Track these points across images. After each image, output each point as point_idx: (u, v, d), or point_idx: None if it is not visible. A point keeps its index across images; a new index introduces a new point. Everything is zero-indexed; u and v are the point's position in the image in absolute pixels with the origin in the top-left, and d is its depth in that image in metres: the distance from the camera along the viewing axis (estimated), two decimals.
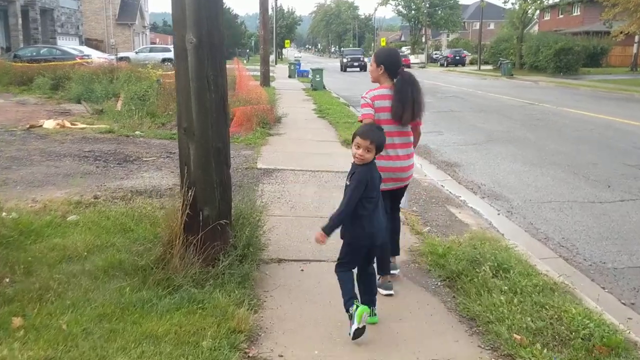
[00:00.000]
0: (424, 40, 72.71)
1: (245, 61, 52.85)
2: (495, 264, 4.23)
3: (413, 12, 75.20)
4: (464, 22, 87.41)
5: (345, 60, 49.60)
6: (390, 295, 4.02)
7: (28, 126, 11.18)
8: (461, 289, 4.02)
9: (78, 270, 4.07)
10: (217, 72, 3.97)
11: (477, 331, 3.50)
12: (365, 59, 47.13)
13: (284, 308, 3.76)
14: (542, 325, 3.40)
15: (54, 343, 3.10)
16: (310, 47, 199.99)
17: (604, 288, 4.52)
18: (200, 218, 3.98)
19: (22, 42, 34.19)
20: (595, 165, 8.95)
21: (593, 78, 32.91)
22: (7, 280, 3.88)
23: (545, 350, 3.14)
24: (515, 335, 3.31)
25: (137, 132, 10.83)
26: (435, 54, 71.61)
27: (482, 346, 3.34)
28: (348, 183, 3.50)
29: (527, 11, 45.55)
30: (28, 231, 4.76)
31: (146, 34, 64.66)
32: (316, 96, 20.54)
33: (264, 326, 3.49)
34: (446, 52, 65.04)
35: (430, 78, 34.43)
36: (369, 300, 3.59)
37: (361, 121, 3.97)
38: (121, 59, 30.95)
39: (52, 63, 22.60)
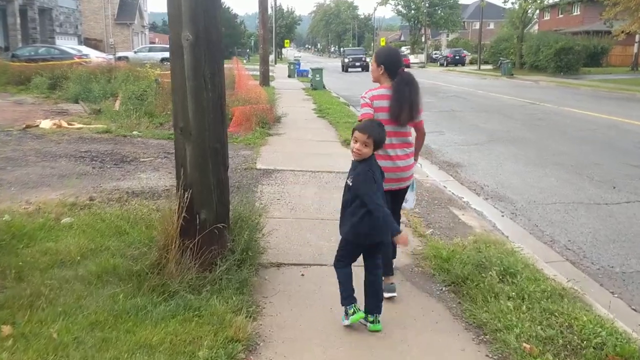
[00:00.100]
0: (423, 40, 72.59)
1: (244, 61, 52.72)
2: (502, 269, 4.11)
3: (413, 11, 74.98)
4: (464, 22, 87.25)
5: (346, 60, 48.19)
6: (393, 297, 3.91)
7: (24, 126, 11.04)
8: (467, 295, 3.89)
9: (71, 275, 3.94)
10: (214, 70, 3.84)
11: (485, 340, 3.37)
12: (367, 59, 46.11)
13: (283, 315, 3.62)
14: (552, 333, 3.27)
15: (44, 353, 2.97)
16: (309, 46, 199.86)
17: (613, 293, 4.39)
18: (197, 221, 3.85)
19: (20, 41, 34.01)
20: (599, 165, 8.82)
21: (594, 78, 32.79)
22: None
23: None
24: (524, 344, 3.18)
25: (134, 132, 10.70)
26: (435, 53, 71.47)
27: (490, 355, 3.21)
28: (350, 183, 3.44)
29: (527, 11, 45.40)
30: (20, 234, 4.63)
31: (145, 34, 64.50)
32: (316, 96, 20.41)
33: (263, 334, 3.36)
34: (446, 51, 64.88)
35: (430, 78, 34.31)
36: (375, 306, 3.48)
37: (360, 121, 3.84)
38: (120, 58, 30.82)
39: (50, 62, 22.46)
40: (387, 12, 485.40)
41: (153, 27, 73.95)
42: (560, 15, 54.53)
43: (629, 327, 3.51)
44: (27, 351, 2.98)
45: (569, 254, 5.19)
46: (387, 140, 3.74)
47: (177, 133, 3.90)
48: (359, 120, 3.88)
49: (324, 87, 24.26)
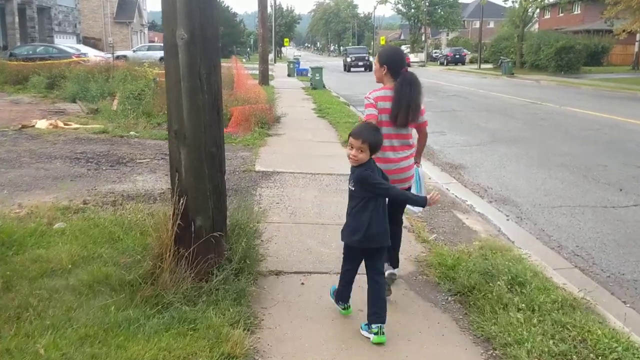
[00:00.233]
0: (423, 38, 72.39)
1: (244, 60, 52.52)
2: (510, 277, 3.95)
3: (413, 10, 74.77)
4: (464, 21, 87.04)
5: (349, 59, 45.94)
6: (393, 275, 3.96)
7: (20, 126, 10.88)
8: (474, 305, 3.73)
9: (61, 285, 3.78)
10: (210, 70, 3.68)
11: (494, 355, 3.20)
12: (371, 58, 45.27)
13: (282, 327, 3.46)
14: (565, 348, 3.11)
15: None
16: (309, 45, 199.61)
17: (625, 302, 4.23)
18: (193, 229, 3.69)
19: (19, 40, 33.85)
20: (605, 167, 8.65)
21: (595, 77, 32.62)
22: None
23: None
24: None
25: (131, 133, 10.53)
26: (435, 52, 71.26)
27: None
28: (352, 187, 3.39)
29: (528, 9, 45.19)
30: (10, 241, 4.46)
31: (144, 33, 64.28)
32: (316, 95, 20.24)
33: (261, 349, 3.19)
34: (446, 50, 64.70)
35: (430, 77, 34.13)
36: (377, 317, 3.34)
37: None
38: (118, 57, 30.62)
39: (48, 62, 22.28)
40: (387, 11, 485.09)
41: (152, 26, 73.68)
42: (561, 14, 54.34)
43: None
44: None
45: (578, 260, 5.02)
46: (388, 142, 3.77)
47: (171, 136, 3.73)
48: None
49: (323, 86, 24.10)
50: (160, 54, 35.90)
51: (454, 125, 13.67)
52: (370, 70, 42.07)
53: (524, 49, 42.42)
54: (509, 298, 3.65)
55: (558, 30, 45.12)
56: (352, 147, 3.28)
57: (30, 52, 27.00)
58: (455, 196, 6.99)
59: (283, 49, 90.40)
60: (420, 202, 3.53)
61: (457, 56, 57.77)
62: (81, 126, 11.20)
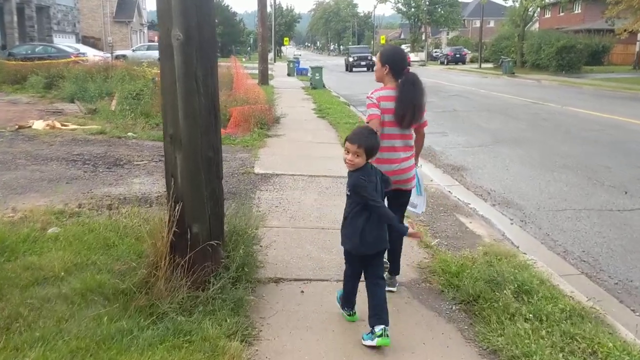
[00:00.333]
0: (423, 38, 72.23)
1: (244, 59, 52.36)
2: (516, 285, 3.83)
3: (413, 9, 74.64)
4: (464, 20, 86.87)
5: (351, 59, 44.48)
6: (392, 291, 3.91)
7: (17, 127, 10.75)
8: (479, 315, 3.61)
9: (53, 294, 3.65)
10: (207, 71, 3.55)
11: None
12: (373, 58, 44.91)
13: (281, 339, 3.34)
14: None
15: None
16: (309, 44, 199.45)
17: (634, 311, 4.11)
18: (189, 236, 3.57)
19: (17, 39, 33.69)
20: (609, 169, 8.53)
21: (596, 76, 32.47)
22: None
23: None
24: None
25: (129, 134, 10.41)
26: (436, 51, 71.09)
27: None
28: (348, 193, 3.37)
29: (528, 9, 45.03)
30: (2, 247, 4.34)
31: (144, 32, 64.12)
32: (316, 95, 20.11)
33: None
34: (446, 50, 64.52)
35: (431, 76, 33.99)
36: (378, 318, 3.25)
37: (368, 122, 3.80)
38: (118, 57, 30.48)
39: (47, 61, 22.15)
40: (387, 10, 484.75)
41: (152, 26, 73.36)
42: (561, 14, 54.20)
43: None
44: None
45: (584, 267, 4.90)
46: (390, 143, 3.78)
47: (166, 140, 3.61)
48: (367, 122, 3.83)
49: (323, 86, 23.97)
50: None
51: (456, 125, 13.55)
52: (373, 69, 41.65)
53: (525, 49, 42.25)
54: (516, 308, 3.54)
55: (559, 30, 44.96)
56: (348, 152, 3.25)
57: (29, 51, 26.84)
58: (458, 199, 6.87)
59: (283, 48, 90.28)
60: (402, 230, 3.35)
61: (458, 55, 57.59)
62: (78, 127, 11.07)
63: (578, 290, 4.10)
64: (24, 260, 4.17)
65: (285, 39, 77.25)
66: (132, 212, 5.22)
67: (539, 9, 51.53)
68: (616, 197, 6.98)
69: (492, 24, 78.04)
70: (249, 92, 14.54)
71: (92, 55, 27.26)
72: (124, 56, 32.02)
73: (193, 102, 3.51)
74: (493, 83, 30.10)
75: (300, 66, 36.32)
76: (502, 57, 41.94)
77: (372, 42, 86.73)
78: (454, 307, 3.80)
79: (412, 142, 3.97)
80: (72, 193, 6.37)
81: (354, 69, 43.31)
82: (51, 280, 3.87)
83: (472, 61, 56.41)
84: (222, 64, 22.66)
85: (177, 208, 3.52)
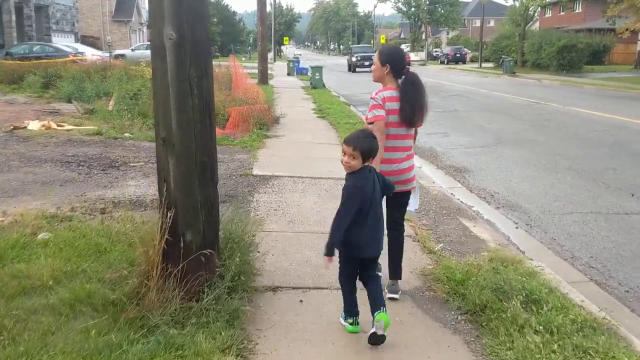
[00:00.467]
0: (424, 37, 72.06)
1: (243, 59, 52.18)
2: (524, 294, 3.67)
3: (413, 9, 74.53)
4: (464, 19, 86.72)
5: (354, 59, 41.93)
6: (395, 298, 3.85)
7: (11, 128, 10.58)
8: (487, 326, 3.44)
9: (40, 304, 3.49)
10: (201, 73, 3.39)
11: None
12: None
13: (279, 353, 3.17)
14: None
15: None
16: (309, 44, 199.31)
17: None
18: (182, 244, 3.40)
19: (16, 39, 33.50)
20: (615, 170, 8.37)
21: (597, 76, 32.30)
22: None
23: None
24: None
25: (126, 134, 10.24)
26: (435, 51, 70.91)
27: None
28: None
29: (529, 8, 44.85)
30: None
31: (143, 31, 63.85)
32: (316, 95, 19.94)
33: None
34: (446, 49, 64.34)
35: (431, 76, 33.81)
36: (378, 303, 3.27)
37: (371, 123, 3.74)
38: (117, 56, 30.29)
39: (44, 60, 21.98)
40: (386, 10, 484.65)
41: None
42: (562, 13, 54.01)
43: None
44: None
45: (593, 273, 4.74)
46: (393, 144, 3.76)
47: (158, 144, 3.45)
48: (370, 123, 3.77)
49: (323, 85, 23.81)
50: None
51: (457, 126, 13.39)
52: None
53: (526, 48, 42.08)
54: (525, 319, 3.37)
55: (559, 29, 44.78)
56: (344, 154, 3.24)
57: (27, 51, 26.64)
58: (461, 202, 6.71)
59: (283, 48, 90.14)
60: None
61: (458, 55, 57.41)
62: (74, 127, 10.91)
63: (588, 299, 3.95)
64: (11, 267, 4.01)
65: (285, 38, 77.08)
66: (125, 216, 5.07)
67: (539, 9, 51.34)
68: (623, 200, 6.82)
69: (492, 24, 77.84)
70: (248, 92, 14.37)
71: (91, 54, 27.06)
72: (122, 55, 31.86)
73: (186, 104, 3.35)
74: (494, 83, 29.94)
75: (300, 66, 36.13)
76: (503, 56, 41.76)
77: (372, 42, 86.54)
78: (459, 318, 3.64)
79: (412, 143, 3.95)
80: (65, 196, 6.20)
81: (357, 69, 41.29)
82: (39, 290, 3.70)
83: (472, 61, 56.25)
84: (222, 63, 22.55)
85: (169, 215, 3.36)
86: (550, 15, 57.25)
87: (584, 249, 5.29)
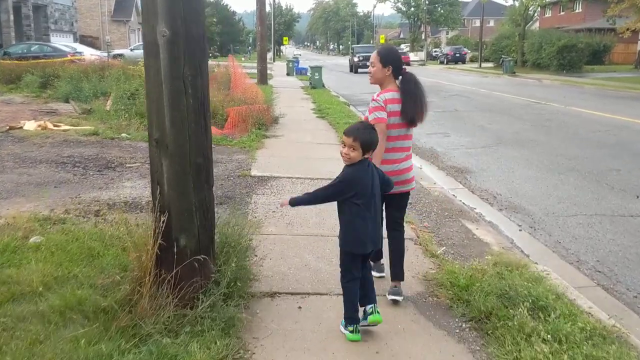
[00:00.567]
0: (423, 37, 71.94)
1: (243, 58, 52.05)
2: (530, 301, 3.54)
3: (412, 9, 74.37)
4: (464, 19, 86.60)
5: (356, 59, 40.20)
6: (397, 301, 3.80)
7: (7, 128, 10.44)
8: (492, 335, 3.32)
9: (29, 311, 3.36)
10: (195, 71, 3.26)
11: None
12: None
13: None
14: None
15: None
16: (308, 44, 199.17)
17: None
18: (176, 249, 3.28)
19: (14, 39, 33.34)
20: (618, 171, 8.24)
21: (597, 76, 32.19)
22: None
23: None
24: None
25: (123, 135, 10.11)
26: (435, 51, 70.77)
27: None
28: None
29: (529, 8, 44.73)
30: None
31: None
32: (315, 95, 19.81)
33: None
34: (446, 49, 64.20)
35: (430, 76, 33.71)
36: (368, 299, 3.40)
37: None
38: (115, 56, 30.14)
39: (42, 60, 21.84)
40: (386, 10, 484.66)
41: None
42: (562, 13, 53.90)
43: None
44: None
45: (600, 278, 4.62)
46: (394, 144, 3.76)
47: (151, 145, 3.32)
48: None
49: (323, 85, 23.69)
50: None
51: (458, 126, 13.26)
52: None
53: (526, 48, 41.95)
54: (532, 327, 3.25)
55: (559, 29, 44.65)
56: (344, 145, 3.22)
57: (25, 50, 26.50)
58: (463, 203, 6.59)
59: (282, 48, 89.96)
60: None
61: (458, 55, 57.28)
62: (71, 127, 10.77)
63: (596, 306, 3.83)
64: (1, 273, 3.88)
65: (285, 38, 76.88)
66: (120, 219, 4.93)
67: (539, 8, 51.22)
68: (628, 202, 6.70)
69: (491, 24, 77.77)
70: (247, 91, 14.24)
71: (89, 54, 26.93)
72: (121, 55, 31.71)
73: (180, 103, 3.22)
74: (494, 82, 29.81)
75: (300, 66, 35.99)
76: (503, 56, 41.63)
77: (371, 42, 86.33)
78: (464, 325, 3.51)
79: (411, 143, 3.94)
80: (60, 198, 6.07)
81: (359, 70, 39.54)
82: (28, 296, 3.57)
83: (472, 60, 56.13)
84: (221, 63, 22.39)
85: (162, 219, 3.23)
86: (550, 15, 57.15)
87: (589, 252, 5.16)
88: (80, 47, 29.72)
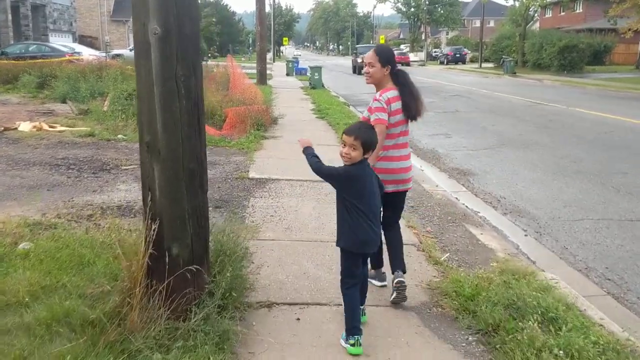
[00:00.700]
0: (423, 37, 71.78)
1: (243, 59, 51.86)
2: (539, 312, 3.38)
3: (412, 9, 74.22)
4: (464, 20, 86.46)
5: (359, 60, 37.11)
6: (384, 286, 3.96)
7: (2, 129, 10.28)
8: (501, 349, 3.15)
9: (14, 324, 3.19)
10: (189, 71, 3.10)
11: None
12: None
13: None
14: None
15: None
16: (308, 44, 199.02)
17: None
18: (167, 259, 3.11)
19: (12, 39, 33.17)
20: (624, 174, 8.07)
21: (598, 76, 32.02)
22: None
23: None
24: None
25: (119, 136, 9.95)
26: (435, 51, 70.60)
27: None
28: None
29: (529, 8, 44.56)
30: None
31: None
32: (315, 95, 19.65)
33: None
34: (446, 49, 64.03)
35: (431, 76, 33.57)
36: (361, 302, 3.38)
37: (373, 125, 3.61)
38: (114, 56, 29.96)
39: (40, 60, 21.67)
40: (386, 10, 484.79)
41: None
42: (562, 13, 53.77)
43: None
44: None
45: (610, 286, 4.45)
46: (395, 142, 3.76)
47: (142, 149, 3.15)
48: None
49: (322, 85, 23.53)
50: None
51: (459, 127, 13.10)
52: None
53: (526, 48, 41.78)
54: (543, 341, 3.08)
55: (560, 30, 44.50)
56: (344, 145, 3.17)
57: (23, 50, 26.30)
58: (466, 207, 6.43)
59: (282, 48, 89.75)
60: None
61: (458, 55, 57.11)
62: (67, 128, 10.61)
63: (608, 316, 3.66)
64: None
65: (285, 38, 76.68)
66: (112, 224, 4.77)
67: (539, 9, 51.05)
68: (635, 205, 6.54)
69: (492, 24, 77.64)
70: (246, 92, 14.07)
71: (88, 54, 26.75)
72: (119, 55, 31.52)
73: (173, 107, 3.06)
74: (494, 83, 29.64)
75: (299, 66, 35.81)
76: (504, 56, 41.46)
77: (371, 42, 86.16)
78: (470, 338, 3.35)
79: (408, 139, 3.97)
80: (52, 201, 5.91)
81: (362, 71, 39.37)
82: (14, 307, 3.41)
83: (472, 61, 55.97)
84: (221, 63, 22.21)
85: (154, 227, 3.07)
86: (550, 15, 57.02)
87: (598, 259, 5.00)
88: (79, 47, 29.52)
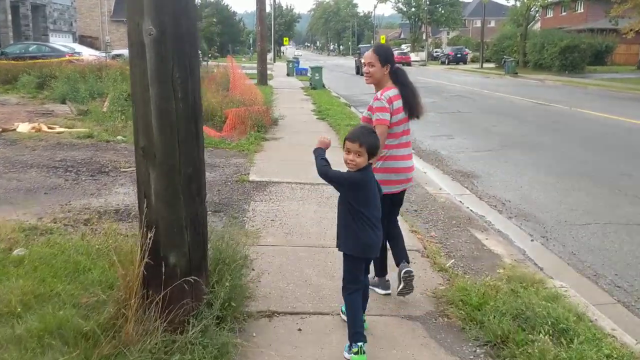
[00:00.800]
0: (424, 37, 71.66)
1: (243, 59, 51.76)
2: (549, 322, 3.26)
3: (413, 9, 74.14)
4: (465, 20, 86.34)
5: (363, 60, 40.49)
6: (388, 294, 3.89)
7: (0, 130, 10.17)
8: None
9: (5, 336, 3.07)
10: (186, 73, 2.97)
11: None
12: None
13: None
14: None
15: None
16: (309, 44, 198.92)
17: None
18: (164, 268, 2.99)
19: (12, 39, 33.04)
20: (630, 177, 7.95)
21: (600, 77, 31.90)
22: None
23: None
24: None
25: (119, 137, 9.84)
26: (436, 51, 70.46)
27: None
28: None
29: (531, 8, 44.42)
30: None
31: None
32: (315, 95, 19.52)
33: None
34: (447, 49, 63.89)
35: (432, 76, 33.45)
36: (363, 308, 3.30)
37: (375, 126, 3.62)
38: (115, 56, 29.83)
39: (39, 60, 21.56)
40: (386, 10, 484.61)
41: None
42: (564, 13, 53.63)
43: None
44: None
45: (619, 294, 4.33)
46: (398, 141, 3.74)
47: (138, 154, 3.04)
48: (374, 125, 3.61)
49: (323, 86, 23.42)
50: None
51: (461, 128, 12.97)
52: None
53: (527, 48, 41.65)
54: (555, 354, 2.96)
55: (561, 30, 44.35)
56: (349, 152, 3.07)
57: (22, 50, 26.17)
58: (471, 210, 6.31)
59: (283, 49, 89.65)
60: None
61: (459, 55, 56.95)
62: (66, 130, 10.49)
63: (619, 327, 3.54)
64: None
65: (285, 39, 76.60)
66: (109, 230, 4.65)
67: (540, 9, 50.91)
68: None
69: (492, 24, 77.50)
70: (246, 92, 13.94)
71: (88, 54, 26.63)
72: (120, 55, 31.40)
73: (169, 110, 2.94)
74: (496, 83, 29.51)
75: (300, 66, 35.69)
76: (505, 57, 41.34)
77: (372, 42, 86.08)
78: (478, 351, 3.23)
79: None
80: (49, 205, 5.79)
81: (362, 71, 38.67)
82: (5, 317, 3.29)
83: (473, 61, 55.82)
84: (221, 64, 22.09)
85: (150, 235, 2.95)
86: (551, 15, 56.86)
87: (606, 265, 4.88)
88: (79, 48, 29.39)
